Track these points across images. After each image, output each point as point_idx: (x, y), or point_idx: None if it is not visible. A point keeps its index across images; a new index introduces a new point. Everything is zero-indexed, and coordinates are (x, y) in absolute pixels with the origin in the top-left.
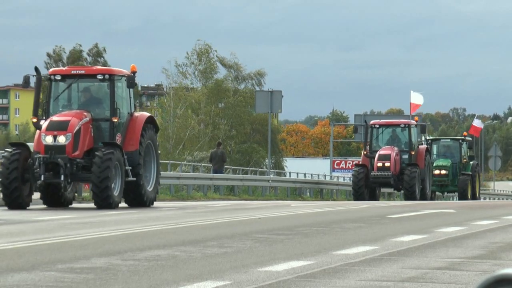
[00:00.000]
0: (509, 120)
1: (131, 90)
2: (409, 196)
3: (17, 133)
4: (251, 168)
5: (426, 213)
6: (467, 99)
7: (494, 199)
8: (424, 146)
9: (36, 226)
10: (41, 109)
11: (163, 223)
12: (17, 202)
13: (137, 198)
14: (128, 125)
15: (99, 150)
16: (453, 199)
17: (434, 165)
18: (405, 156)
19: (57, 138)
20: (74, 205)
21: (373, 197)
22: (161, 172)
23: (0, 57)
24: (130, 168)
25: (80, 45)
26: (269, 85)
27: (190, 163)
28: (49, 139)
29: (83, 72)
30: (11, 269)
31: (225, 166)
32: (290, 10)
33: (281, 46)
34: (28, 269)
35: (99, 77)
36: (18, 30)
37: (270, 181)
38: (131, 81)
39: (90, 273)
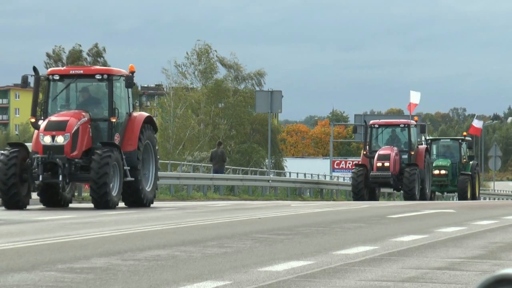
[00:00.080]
0: (509, 120)
1: (130, 90)
2: (409, 196)
3: (17, 133)
4: (251, 168)
5: (426, 213)
6: (467, 99)
7: (494, 199)
8: (423, 146)
9: (36, 226)
10: (40, 109)
11: (163, 223)
12: (15, 202)
13: (136, 198)
14: (127, 125)
15: (98, 150)
16: (453, 199)
17: (433, 165)
18: (405, 156)
19: (56, 138)
20: (73, 205)
21: (373, 197)
22: (161, 172)
23: (0, 57)
24: (129, 168)
25: (80, 45)
26: (269, 85)
27: (191, 163)
28: (47, 139)
29: (81, 72)
30: (11, 269)
31: (225, 166)
32: (290, 10)
33: (281, 46)
34: (28, 269)
35: (98, 77)
36: (18, 30)
37: (270, 181)
38: (129, 81)
39: (90, 273)
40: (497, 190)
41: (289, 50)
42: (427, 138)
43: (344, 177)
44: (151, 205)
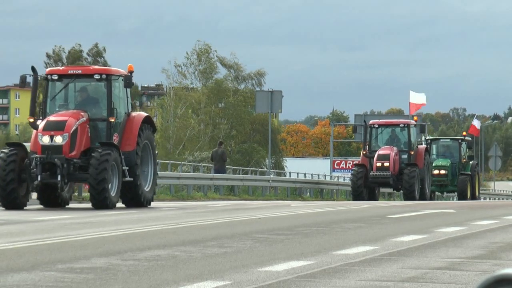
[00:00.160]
0: (509, 120)
1: (128, 90)
2: (408, 196)
3: (17, 133)
4: (251, 168)
5: (426, 213)
6: (467, 99)
7: (494, 199)
8: (423, 146)
9: (36, 226)
10: (38, 109)
11: (163, 223)
12: (14, 202)
13: (135, 198)
14: (125, 125)
15: (96, 150)
16: (452, 199)
17: (433, 165)
18: (404, 156)
19: (54, 138)
20: (72, 205)
21: (372, 197)
22: (161, 172)
23: (0, 57)
24: (127, 168)
25: (80, 45)
26: (269, 85)
27: (191, 163)
28: (46, 139)
29: (80, 71)
30: (11, 269)
31: (226, 166)
32: (290, 11)
33: (282, 46)
34: (28, 269)
35: (96, 77)
36: (18, 30)
37: (270, 181)
38: (128, 81)
39: (90, 273)
40: (497, 190)
41: (289, 50)
42: (427, 138)
43: (344, 177)
44: (150, 205)
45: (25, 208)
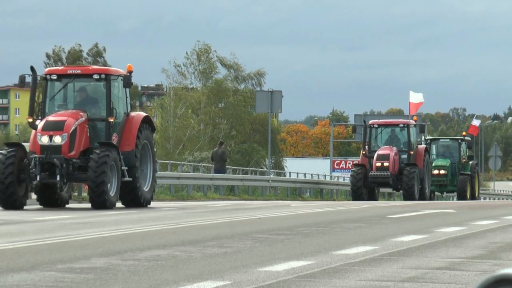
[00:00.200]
0: (509, 120)
1: (128, 90)
2: (408, 196)
3: (17, 133)
4: (251, 168)
5: (426, 213)
6: (467, 99)
7: (494, 199)
8: (423, 146)
9: (36, 226)
10: (37, 108)
11: (163, 223)
12: (13, 202)
13: (134, 198)
14: (124, 125)
15: (95, 151)
16: (452, 199)
17: (433, 165)
18: (404, 156)
19: (53, 138)
20: (71, 205)
21: (372, 197)
22: (161, 172)
23: (0, 57)
24: (126, 168)
25: (80, 45)
26: (269, 85)
27: (191, 163)
28: (45, 139)
29: (79, 71)
30: (11, 269)
31: (226, 166)
32: (290, 11)
33: (281, 46)
34: (28, 269)
35: (95, 76)
36: (18, 30)
37: (270, 181)
38: (127, 81)
39: (90, 273)
40: (497, 190)
41: (289, 50)
42: (427, 138)
43: (344, 177)
44: (149, 205)
45: (24, 208)
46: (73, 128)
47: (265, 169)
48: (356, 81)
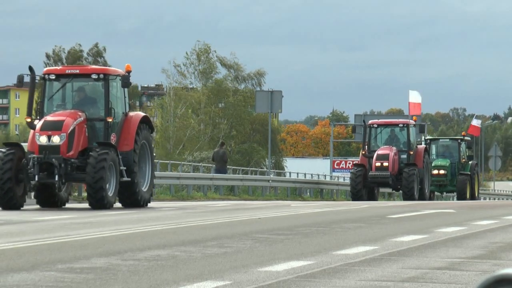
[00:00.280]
0: (509, 120)
1: (126, 89)
2: (408, 196)
3: (17, 133)
4: (251, 168)
5: (426, 213)
6: (467, 99)
7: (494, 199)
8: (422, 146)
9: (36, 226)
10: (36, 108)
11: (163, 223)
12: (11, 202)
13: (132, 198)
14: (123, 125)
15: (94, 150)
16: (452, 199)
17: (433, 165)
18: (404, 156)
19: (51, 138)
20: (71, 205)
21: (372, 197)
22: (161, 172)
23: (0, 57)
24: (125, 168)
25: (80, 45)
26: (269, 85)
27: (191, 163)
28: (43, 139)
29: (77, 71)
30: (11, 269)
31: (227, 167)
32: (290, 11)
33: (282, 46)
34: (28, 269)
35: (94, 76)
36: (18, 30)
37: (270, 181)
38: (126, 81)
39: (90, 273)
40: (497, 190)
41: (289, 50)
42: (426, 138)
43: (344, 177)
44: (148, 205)
45: (22, 208)
46: (71, 128)
47: (265, 169)
48: (356, 81)
